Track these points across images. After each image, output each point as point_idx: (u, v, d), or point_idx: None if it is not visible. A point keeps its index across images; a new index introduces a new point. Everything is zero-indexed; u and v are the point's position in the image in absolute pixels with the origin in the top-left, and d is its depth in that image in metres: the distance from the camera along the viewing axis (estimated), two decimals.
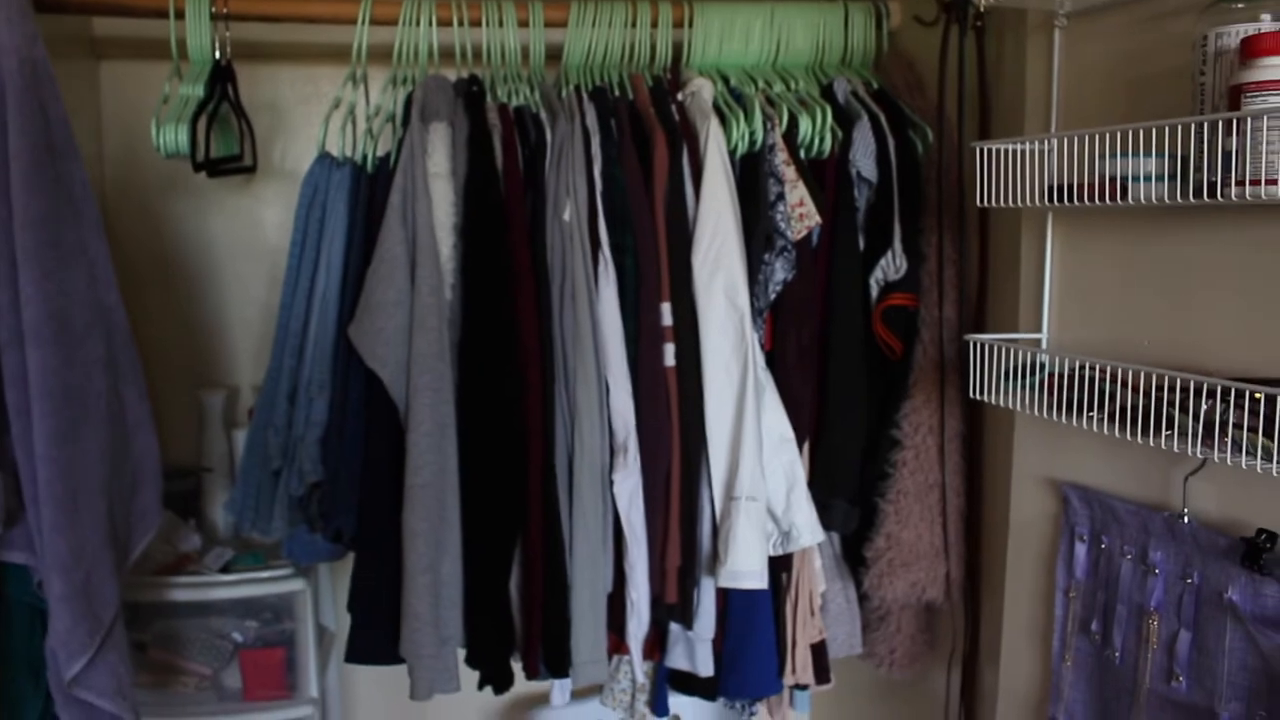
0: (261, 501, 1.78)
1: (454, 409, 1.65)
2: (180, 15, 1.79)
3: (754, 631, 1.76)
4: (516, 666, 1.75)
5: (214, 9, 1.79)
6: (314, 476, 1.74)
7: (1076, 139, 1.26)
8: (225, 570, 2.01)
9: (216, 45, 1.82)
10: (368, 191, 1.75)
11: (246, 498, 1.79)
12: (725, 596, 1.74)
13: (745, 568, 1.63)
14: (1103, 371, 1.25)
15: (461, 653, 1.72)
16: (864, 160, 1.74)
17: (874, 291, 1.75)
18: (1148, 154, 1.14)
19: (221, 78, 1.84)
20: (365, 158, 1.79)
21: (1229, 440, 1.07)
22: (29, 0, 1.58)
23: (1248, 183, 1.02)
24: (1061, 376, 1.33)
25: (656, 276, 1.67)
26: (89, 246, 1.61)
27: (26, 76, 1.51)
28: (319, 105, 1.88)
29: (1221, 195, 1.05)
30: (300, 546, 1.85)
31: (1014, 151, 1.36)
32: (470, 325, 1.68)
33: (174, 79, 1.81)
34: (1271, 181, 1.00)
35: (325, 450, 1.73)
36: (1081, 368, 1.27)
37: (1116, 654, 1.36)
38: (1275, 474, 1.02)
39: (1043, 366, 1.39)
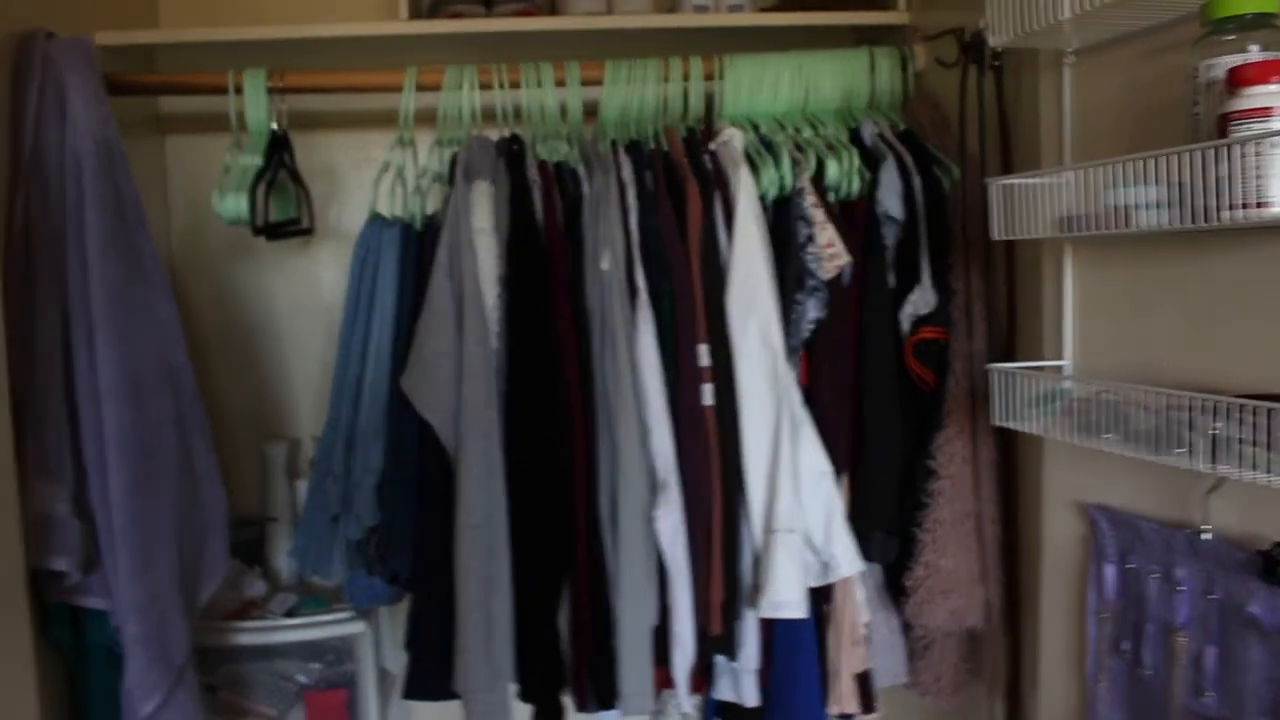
0: (323, 547, 1.87)
1: (502, 453, 1.72)
2: (239, 90, 1.91)
3: (798, 662, 1.80)
4: (566, 701, 1.80)
5: (270, 84, 1.91)
6: (371, 521, 1.82)
7: (1085, 171, 1.30)
8: (289, 615, 2.08)
9: (273, 116, 1.93)
10: (416, 248, 1.85)
11: (309, 543, 1.87)
12: (769, 628, 1.78)
13: (785, 598, 1.67)
14: (1118, 394, 1.29)
15: (514, 688, 1.77)
16: (890, 200, 1.80)
17: (905, 326, 1.79)
18: (1149, 183, 1.19)
19: (278, 147, 1.95)
20: (414, 216, 1.89)
21: (1237, 456, 1.11)
22: (104, 85, 1.71)
23: (1240, 206, 1.06)
24: (1083, 401, 1.37)
25: (693, 320, 1.74)
26: (159, 310, 1.72)
27: (102, 157, 1.64)
28: (370, 169, 1.98)
29: (1218, 219, 1.09)
30: (360, 589, 1.93)
31: (1029, 186, 1.41)
32: (515, 373, 1.75)
33: (234, 150, 1.92)
34: (1262, 204, 1.04)
35: (381, 496, 1.82)
36: (1099, 392, 1.31)
37: (1148, 672, 1.38)
38: (1279, 486, 1.05)
39: (1064, 392, 1.43)
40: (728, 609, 1.73)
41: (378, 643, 2.18)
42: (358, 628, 2.09)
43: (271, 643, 2.07)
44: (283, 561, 2.24)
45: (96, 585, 1.66)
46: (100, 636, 1.70)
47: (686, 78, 1.96)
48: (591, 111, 1.97)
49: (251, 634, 2.05)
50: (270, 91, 1.92)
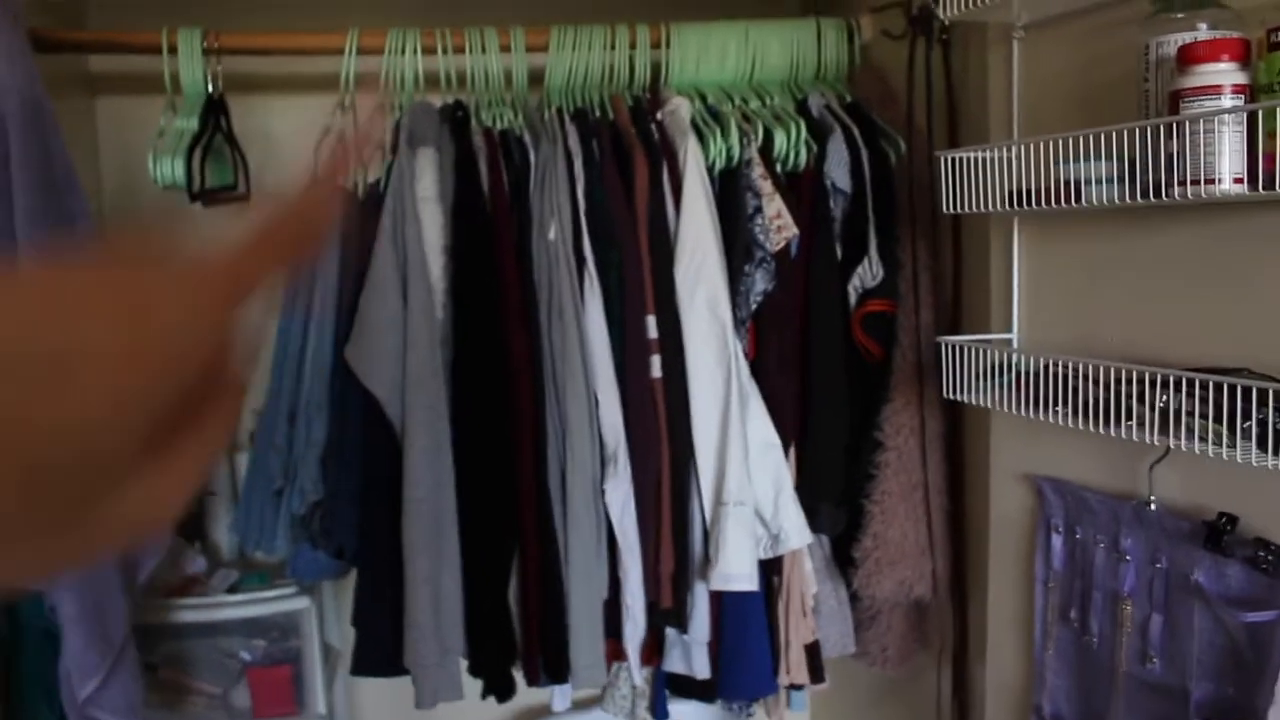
0: (265, 521, 1.83)
1: (449, 425, 1.70)
2: (173, 51, 1.84)
3: (748, 633, 1.81)
4: (518, 675, 1.80)
5: (206, 44, 1.85)
6: (315, 495, 1.79)
7: (1035, 145, 1.31)
8: (231, 591, 2.05)
9: (209, 79, 1.88)
10: (359, 216, 1.81)
11: (250, 518, 1.84)
12: (719, 600, 1.79)
13: (736, 570, 1.68)
14: (1067, 367, 1.30)
15: (464, 663, 1.76)
16: (838, 172, 1.79)
17: (852, 299, 1.80)
18: (1099, 158, 1.19)
19: (214, 110, 1.89)
20: (355, 184, 1.85)
21: (1184, 428, 1.12)
22: (28, 41, 1.64)
23: (1189, 182, 1.07)
24: (1031, 374, 1.38)
25: (641, 291, 1.73)
26: None
27: (28, 115, 1.57)
28: (312, 134, 1.93)
29: (1167, 195, 1.10)
30: (304, 564, 1.90)
31: (978, 159, 1.41)
32: (462, 343, 1.73)
33: (169, 113, 1.87)
34: (1210, 181, 1.05)
35: (325, 469, 1.78)
36: (1048, 365, 1.32)
37: (1094, 639, 1.40)
38: (1227, 459, 1.07)
39: (1014, 364, 1.44)
40: (678, 581, 1.74)
41: (322, 618, 2.15)
42: (301, 603, 2.06)
43: (214, 620, 2.04)
44: (223, 536, 2.21)
45: None
46: (35, 617, 1.66)
47: (633, 45, 1.93)
48: (537, 78, 1.94)
49: (193, 611, 2.02)
50: (206, 53, 1.86)
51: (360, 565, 1.80)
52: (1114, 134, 1.15)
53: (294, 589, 2.06)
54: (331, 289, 1.80)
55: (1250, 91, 1.06)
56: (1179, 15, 1.14)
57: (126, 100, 2.30)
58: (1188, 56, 1.08)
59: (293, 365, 1.81)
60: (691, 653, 1.79)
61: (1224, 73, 1.07)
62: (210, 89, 1.88)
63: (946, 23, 1.66)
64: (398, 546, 1.68)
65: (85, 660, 1.60)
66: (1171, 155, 1.08)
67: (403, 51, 1.88)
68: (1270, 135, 1.00)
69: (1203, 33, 1.11)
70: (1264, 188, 1.02)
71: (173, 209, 2.05)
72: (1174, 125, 1.08)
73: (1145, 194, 1.12)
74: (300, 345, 1.81)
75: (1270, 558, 1.14)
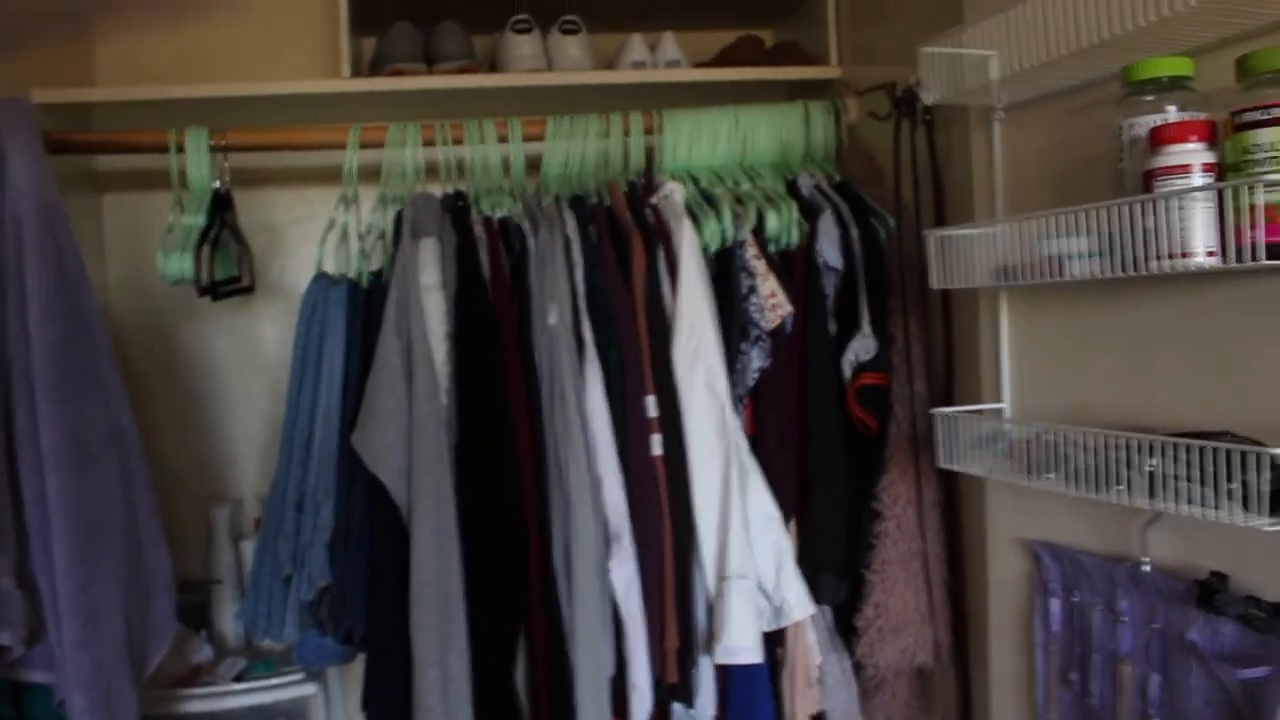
0: (273, 608, 1.85)
1: (454, 508, 1.73)
2: (181, 149, 1.90)
3: (754, 706, 1.82)
4: None
5: (213, 142, 1.91)
6: (323, 580, 1.81)
7: (1020, 223, 1.36)
8: (239, 679, 2.06)
9: (215, 174, 1.93)
10: (364, 306, 1.86)
11: (258, 605, 1.85)
12: (724, 674, 1.80)
13: (740, 644, 1.70)
14: (1057, 435, 1.34)
15: None
16: (829, 250, 1.85)
17: (847, 373, 1.84)
18: (1080, 234, 1.25)
19: (221, 205, 1.95)
20: (360, 274, 1.90)
21: (1171, 492, 1.16)
22: (42, 144, 1.70)
23: (1166, 256, 1.12)
24: (1023, 442, 1.42)
25: (640, 371, 1.77)
26: (103, 371, 1.70)
27: (43, 217, 1.62)
28: (314, 225, 1.98)
29: (1145, 268, 1.15)
30: (311, 650, 1.91)
31: (964, 237, 1.47)
32: (466, 428, 1.76)
33: (176, 209, 1.92)
34: (1185, 254, 1.10)
35: (333, 554, 1.81)
36: (1039, 434, 1.36)
37: (1095, 701, 1.42)
38: (1212, 520, 1.11)
39: (1006, 434, 1.48)
40: (683, 657, 1.75)
41: (329, 704, 2.15)
42: (309, 689, 2.07)
43: (221, 709, 2.04)
44: (229, 625, 2.22)
45: (40, 658, 1.62)
46: (44, 712, 1.66)
47: (627, 132, 2.00)
48: (534, 166, 2.00)
49: (201, 700, 2.02)
50: (212, 150, 1.92)
51: (369, 649, 1.81)
52: (1093, 212, 1.20)
53: (301, 675, 2.06)
54: (337, 377, 1.84)
55: (1219, 169, 1.12)
56: (1149, 98, 1.20)
57: (131, 196, 2.36)
58: (1159, 138, 1.14)
59: (300, 453, 1.84)
60: None
61: (1193, 152, 1.12)
62: (217, 184, 1.93)
63: (929, 105, 1.72)
64: (406, 630, 1.69)
65: None
66: (1148, 230, 1.13)
67: (403, 144, 1.94)
68: (1238, 211, 1.06)
69: (1172, 114, 1.17)
70: (1235, 260, 1.07)
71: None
72: (1149, 203, 1.13)
73: (1124, 268, 1.17)
74: (308, 433, 1.84)
75: (1262, 615, 1.17)
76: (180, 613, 1.92)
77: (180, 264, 1.86)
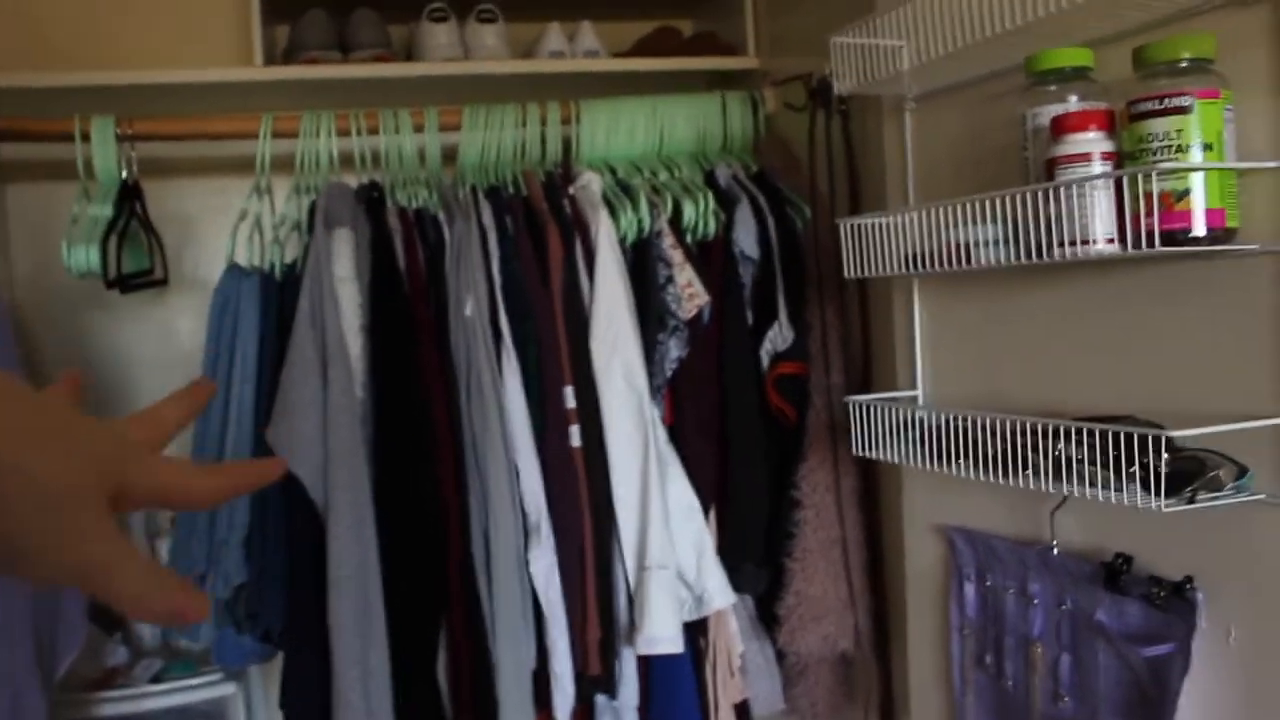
0: None
1: (371, 502, 1.71)
2: (87, 138, 1.85)
3: (677, 696, 1.82)
4: None
5: (119, 130, 1.86)
6: (239, 579, 1.78)
7: (928, 211, 1.37)
8: (155, 680, 2.02)
9: (123, 164, 1.88)
10: (277, 298, 1.83)
11: None
12: (647, 664, 1.81)
13: (661, 633, 1.70)
14: (969, 421, 1.35)
15: None
16: (746, 240, 1.86)
17: (765, 362, 1.85)
18: (987, 221, 1.26)
19: (130, 196, 1.90)
20: (273, 265, 1.87)
21: (1076, 475, 1.18)
22: None
23: (1067, 244, 1.14)
24: (937, 428, 1.43)
25: (557, 362, 1.76)
26: (1, 365, 1.65)
27: None
28: (227, 216, 1.94)
29: (1049, 255, 1.16)
30: (229, 650, 1.88)
31: (876, 225, 1.48)
32: (382, 421, 1.74)
33: (83, 199, 1.87)
34: (1086, 241, 1.12)
35: (249, 552, 1.78)
36: (951, 420, 1.38)
37: (1010, 683, 1.45)
38: (1115, 502, 1.13)
39: (919, 421, 1.50)
40: (605, 648, 1.75)
41: (250, 704, 2.12)
42: (228, 689, 2.03)
43: (138, 711, 2.00)
44: (145, 625, 2.17)
45: None
46: None
47: (544, 122, 1.99)
48: (450, 157, 1.98)
49: (116, 704, 1.97)
50: (119, 139, 1.87)
51: (287, 647, 1.79)
52: (999, 200, 1.22)
53: (220, 675, 2.03)
54: (251, 371, 1.81)
55: (1117, 158, 1.14)
56: (1052, 88, 1.21)
57: (36, 186, 2.29)
58: (1060, 127, 1.15)
59: (213, 448, 1.81)
60: (622, 718, 1.80)
61: (1093, 141, 1.14)
62: (125, 174, 1.89)
63: (844, 95, 1.73)
64: (324, 626, 1.68)
65: None
66: (1050, 218, 1.15)
67: (317, 134, 1.91)
68: (1136, 198, 1.07)
69: (1073, 104, 1.19)
70: (1132, 247, 1.09)
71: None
72: (1050, 190, 1.14)
73: (1030, 255, 1.19)
74: (220, 428, 1.81)
75: (1164, 594, 1.20)
76: (93, 614, 1.88)
77: (87, 257, 1.81)
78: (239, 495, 0.51)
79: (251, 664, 2.06)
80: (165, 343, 2.35)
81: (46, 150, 1.96)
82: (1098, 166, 1.13)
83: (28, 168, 2.28)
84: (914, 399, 1.60)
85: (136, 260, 1.95)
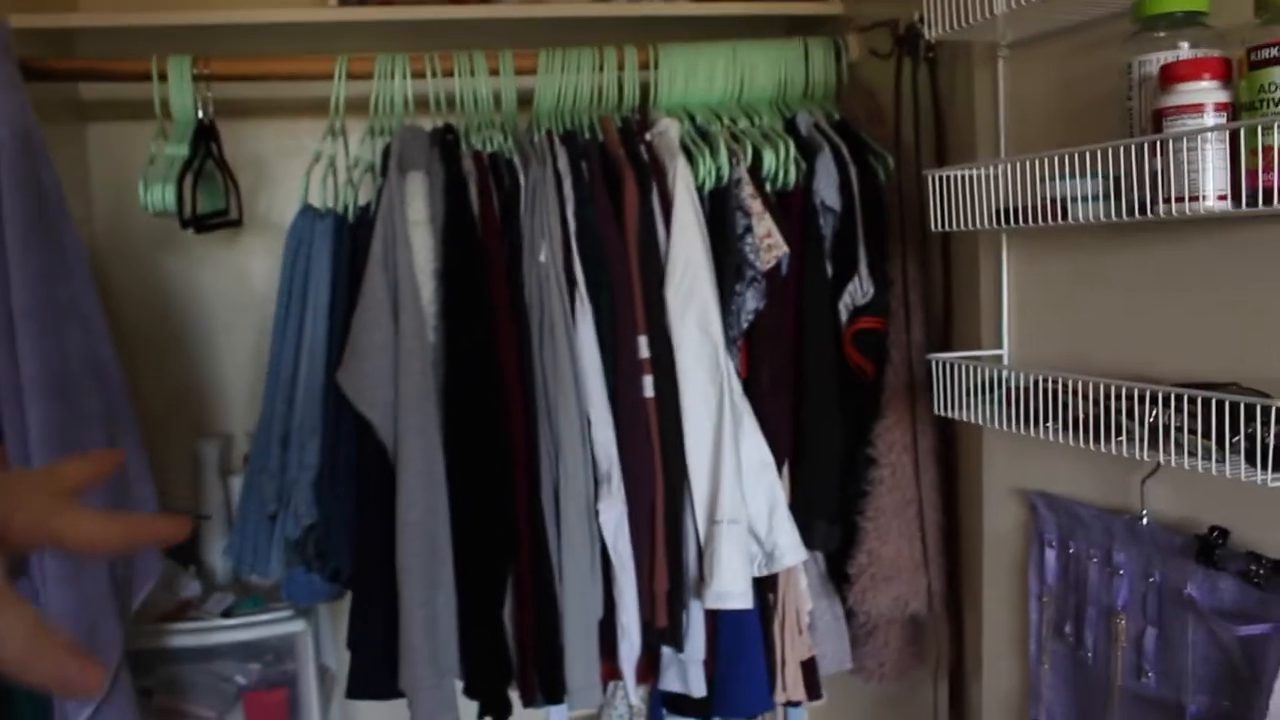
0: (259, 545, 1.83)
1: (441, 447, 1.70)
2: (164, 78, 1.85)
3: (744, 651, 1.81)
4: (514, 695, 1.79)
5: (195, 70, 1.86)
6: (309, 519, 1.79)
7: (1021, 163, 1.32)
8: (226, 615, 2.05)
9: (199, 104, 1.88)
10: (350, 240, 1.81)
11: (245, 541, 1.83)
12: (714, 618, 1.79)
13: (730, 588, 1.68)
14: (1058, 383, 1.31)
15: (459, 684, 1.76)
16: (827, 190, 1.80)
17: (843, 316, 1.80)
18: (1085, 176, 1.20)
19: (205, 136, 1.90)
20: (347, 208, 1.85)
21: (1173, 444, 1.13)
22: (19, 70, 1.65)
23: (1174, 200, 1.08)
24: (1022, 390, 1.38)
25: (632, 311, 1.73)
26: (83, 303, 1.67)
27: (20, 144, 1.58)
28: (301, 158, 1.93)
29: (1152, 212, 1.11)
30: (298, 587, 1.90)
31: (965, 177, 1.42)
32: (453, 366, 1.73)
33: (159, 139, 1.87)
34: (1195, 198, 1.06)
35: (319, 492, 1.78)
36: (1039, 381, 1.33)
37: (1089, 654, 1.41)
38: (1215, 473, 1.08)
39: (1005, 381, 1.45)
40: (673, 600, 1.74)
41: (318, 641, 2.15)
42: (297, 626, 2.05)
43: (208, 644, 2.03)
44: (217, 560, 2.20)
45: (24, 592, 1.61)
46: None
47: (621, 67, 1.94)
48: (526, 101, 1.95)
49: (187, 635, 2.01)
50: (195, 79, 1.86)
51: (355, 588, 1.80)
52: (1099, 152, 1.16)
53: (289, 612, 2.05)
54: (323, 313, 1.81)
55: (1233, 109, 1.07)
56: (1161, 34, 1.15)
57: (117, 126, 2.31)
58: (1170, 75, 1.09)
59: (285, 390, 1.81)
60: (687, 671, 1.79)
61: (1206, 91, 1.08)
62: (201, 115, 1.88)
63: (932, 42, 1.67)
64: (392, 569, 1.68)
65: None
66: (1156, 173, 1.09)
67: (392, 76, 1.88)
68: (1253, 153, 1.01)
69: (1184, 52, 1.13)
70: (1246, 204, 1.03)
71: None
72: (1158, 143, 1.09)
73: (1131, 211, 1.13)
74: (293, 370, 1.81)
75: (1262, 571, 1.15)
76: (168, 548, 1.91)
77: (163, 195, 1.81)
78: (138, 547, 0.49)
79: (320, 602, 2.08)
80: (238, 284, 2.36)
81: (125, 90, 1.96)
82: (1211, 118, 1.06)
83: (109, 107, 2.29)
84: (998, 358, 1.55)
85: (212, 200, 1.96)
